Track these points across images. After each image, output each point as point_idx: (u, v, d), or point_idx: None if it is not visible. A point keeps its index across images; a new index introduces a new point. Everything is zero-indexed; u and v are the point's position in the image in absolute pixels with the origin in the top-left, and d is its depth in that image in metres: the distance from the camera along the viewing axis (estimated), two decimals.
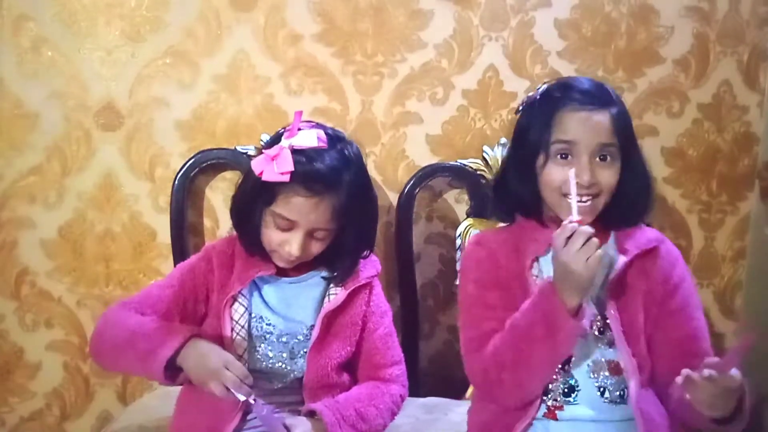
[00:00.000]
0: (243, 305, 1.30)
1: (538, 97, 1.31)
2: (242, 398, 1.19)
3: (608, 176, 1.26)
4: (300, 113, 1.29)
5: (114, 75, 1.65)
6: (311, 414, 1.26)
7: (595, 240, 1.15)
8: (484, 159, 1.68)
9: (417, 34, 1.68)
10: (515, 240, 1.35)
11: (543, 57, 1.70)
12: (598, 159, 1.25)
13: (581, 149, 1.24)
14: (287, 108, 1.68)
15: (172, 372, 1.23)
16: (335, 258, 1.33)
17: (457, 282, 1.68)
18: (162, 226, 1.68)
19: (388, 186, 1.71)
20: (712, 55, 1.73)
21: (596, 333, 1.28)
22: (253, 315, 1.31)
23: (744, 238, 1.81)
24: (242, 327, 1.29)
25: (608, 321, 1.27)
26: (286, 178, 1.22)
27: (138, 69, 1.65)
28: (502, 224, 1.42)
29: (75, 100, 1.64)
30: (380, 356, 1.36)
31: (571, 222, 1.16)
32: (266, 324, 1.31)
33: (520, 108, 1.34)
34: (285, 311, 1.32)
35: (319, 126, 1.31)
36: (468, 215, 1.69)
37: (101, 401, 1.74)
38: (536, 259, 1.32)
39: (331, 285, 1.34)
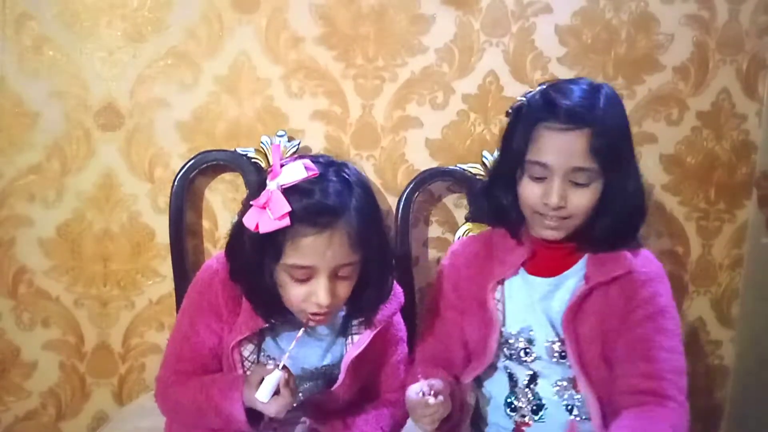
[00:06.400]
0: (253, 343, 1.24)
1: (525, 103, 1.28)
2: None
3: (581, 199, 1.22)
4: (278, 146, 1.20)
5: (115, 75, 1.64)
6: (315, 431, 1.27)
7: (431, 418, 1.18)
8: (484, 164, 1.68)
9: (418, 38, 1.68)
10: (486, 255, 1.35)
11: (543, 63, 1.71)
12: (571, 181, 1.21)
13: (554, 171, 1.21)
14: (288, 110, 1.68)
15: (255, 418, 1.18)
16: (360, 294, 1.20)
17: None
18: (161, 227, 1.68)
19: (388, 190, 1.71)
20: (711, 63, 1.74)
21: (558, 359, 1.28)
22: (262, 352, 1.26)
23: (741, 247, 1.82)
24: (252, 363, 1.25)
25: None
26: (286, 221, 1.09)
27: (139, 69, 1.64)
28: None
29: (76, 99, 1.64)
30: (390, 381, 1.35)
31: (423, 394, 1.17)
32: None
33: (510, 111, 1.31)
34: (295, 353, 1.25)
35: (302, 156, 1.19)
36: (467, 220, 1.69)
37: (97, 401, 1.73)
38: (502, 281, 1.31)
39: (353, 324, 1.25)
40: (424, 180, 1.67)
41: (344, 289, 1.16)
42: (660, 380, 1.20)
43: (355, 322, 1.26)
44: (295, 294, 1.15)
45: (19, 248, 1.67)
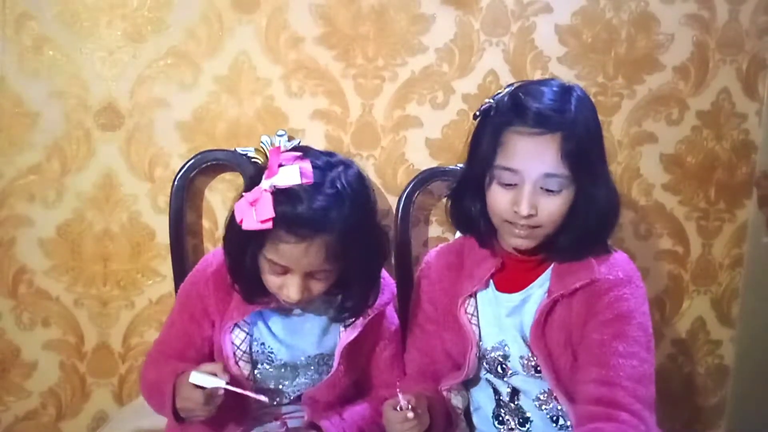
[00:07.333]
0: (244, 331, 1.27)
1: (494, 105, 1.23)
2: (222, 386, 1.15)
3: (552, 207, 1.18)
4: (278, 149, 1.20)
5: (115, 75, 1.64)
6: (313, 425, 1.27)
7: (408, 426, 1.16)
8: None
9: (418, 38, 1.68)
10: (458, 266, 1.32)
11: (543, 62, 1.71)
12: (542, 188, 1.17)
13: (524, 178, 1.17)
14: (287, 110, 1.68)
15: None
16: (345, 292, 1.25)
17: None
18: (161, 227, 1.68)
19: (388, 190, 1.71)
20: (711, 63, 1.74)
21: (533, 372, 1.25)
22: (255, 340, 1.29)
23: (741, 246, 1.82)
24: (244, 352, 1.27)
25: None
26: (268, 225, 1.11)
27: (139, 69, 1.64)
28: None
29: (76, 99, 1.64)
30: (385, 376, 1.36)
31: (399, 405, 1.16)
32: (268, 351, 1.29)
33: (477, 114, 1.27)
34: (289, 340, 1.30)
35: (305, 156, 1.18)
36: None
37: (97, 401, 1.73)
38: (474, 294, 1.29)
39: (346, 314, 1.27)
40: (424, 180, 1.67)
41: (318, 286, 1.20)
42: (613, 387, 1.13)
43: (347, 314, 1.28)
44: (270, 281, 1.20)
45: (19, 248, 1.67)
